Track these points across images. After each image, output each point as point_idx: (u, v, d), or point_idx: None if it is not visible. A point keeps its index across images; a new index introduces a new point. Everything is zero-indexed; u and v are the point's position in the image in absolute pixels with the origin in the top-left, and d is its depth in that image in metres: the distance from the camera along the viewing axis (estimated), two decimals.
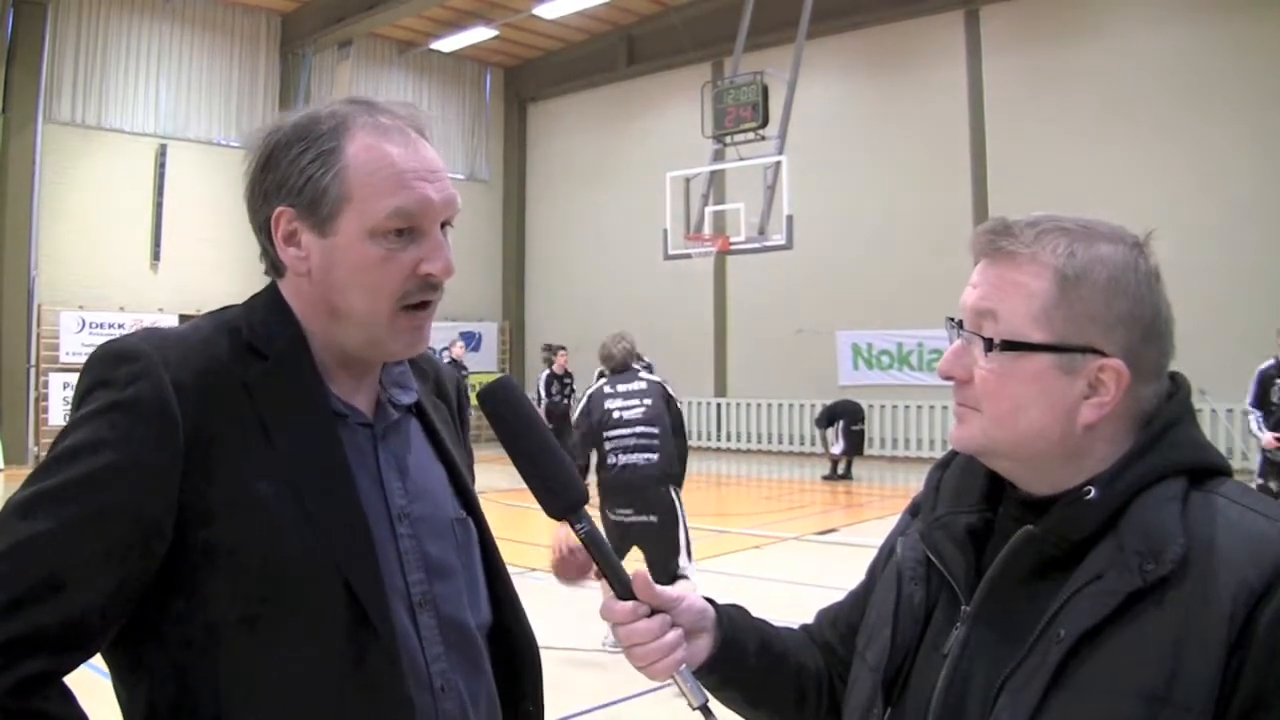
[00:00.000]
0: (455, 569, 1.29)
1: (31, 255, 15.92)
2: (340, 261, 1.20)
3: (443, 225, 1.25)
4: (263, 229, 1.24)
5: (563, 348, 14.95)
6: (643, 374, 6.50)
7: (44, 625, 1.02)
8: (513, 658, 1.37)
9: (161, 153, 17.36)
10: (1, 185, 15.70)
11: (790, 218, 13.35)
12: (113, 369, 1.12)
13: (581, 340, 14.98)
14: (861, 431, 15.38)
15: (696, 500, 12.49)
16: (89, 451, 1.08)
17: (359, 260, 1.19)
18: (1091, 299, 1.05)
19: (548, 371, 14.68)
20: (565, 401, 14.60)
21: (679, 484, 6.17)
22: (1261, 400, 8.13)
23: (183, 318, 15.06)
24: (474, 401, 1.31)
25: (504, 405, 1.24)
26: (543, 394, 14.40)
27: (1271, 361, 8.23)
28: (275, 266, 1.27)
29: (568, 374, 14.76)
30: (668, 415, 6.21)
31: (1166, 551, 0.97)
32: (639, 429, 6.10)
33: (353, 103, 1.25)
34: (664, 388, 6.37)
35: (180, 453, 1.10)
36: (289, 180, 1.20)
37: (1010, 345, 1.07)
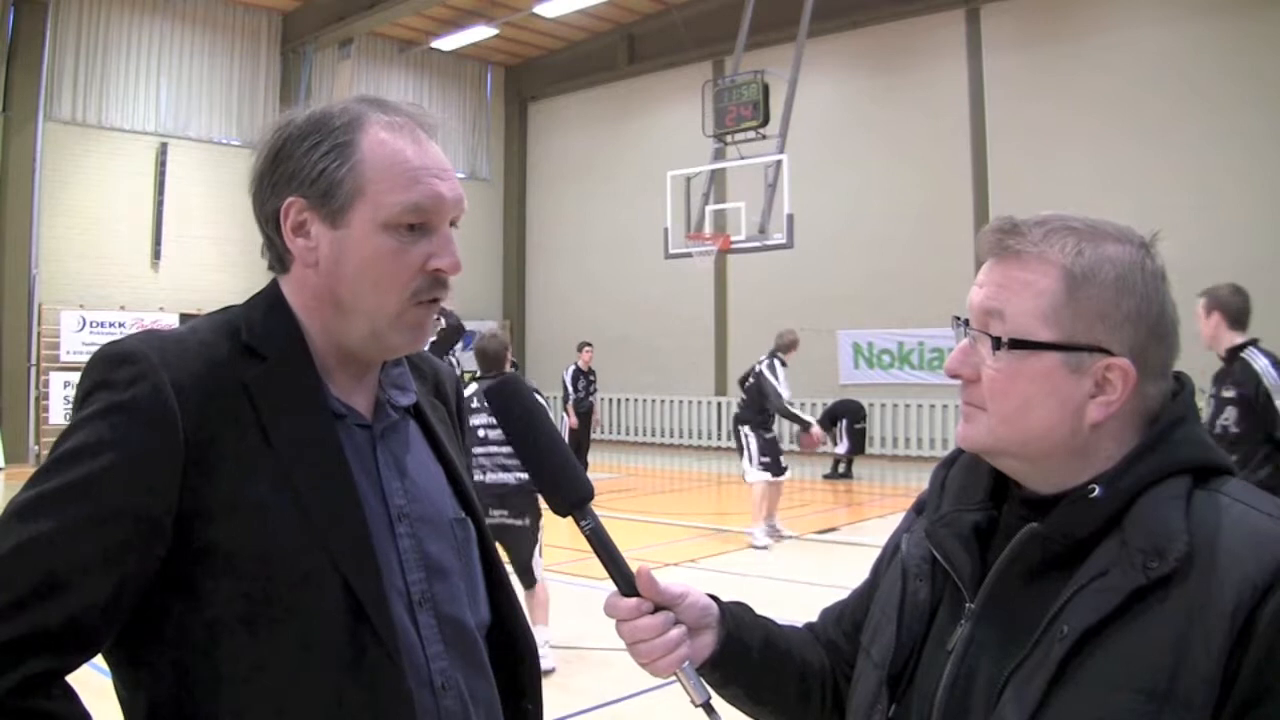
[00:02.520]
0: (454, 569, 1.29)
1: (32, 254, 15.92)
2: (350, 253, 1.21)
3: (452, 225, 1.26)
4: (270, 220, 1.25)
5: (588, 344, 14.74)
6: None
7: (46, 626, 1.02)
8: (511, 657, 1.37)
9: (162, 151, 17.36)
10: (2, 184, 15.71)
11: (791, 217, 13.35)
12: (113, 371, 1.12)
13: (582, 339, 14.97)
14: (863, 430, 15.39)
15: (698, 499, 12.52)
16: (90, 453, 1.08)
17: (370, 252, 1.21)
18: (1099, 298, 1.06)
19: (574, 367, 14.49)
20: (590, 398, 14.38)
21: (746, 422, 10.43)
22: None
23: (183, 317, 15.07)
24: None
25: (511, 403, 1.25)
26: (570, 389, 14.22)
27: None
28: (280, 259, 1.27)
29: (591, 370, 14.62)
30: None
31: (1170, 549, 0.98)
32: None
33: (364, 101, 1.26)
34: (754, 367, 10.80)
35: (180, 454, 1.10)
36: (302, 171, 1.21)
37: (1018, 344, 1.07)
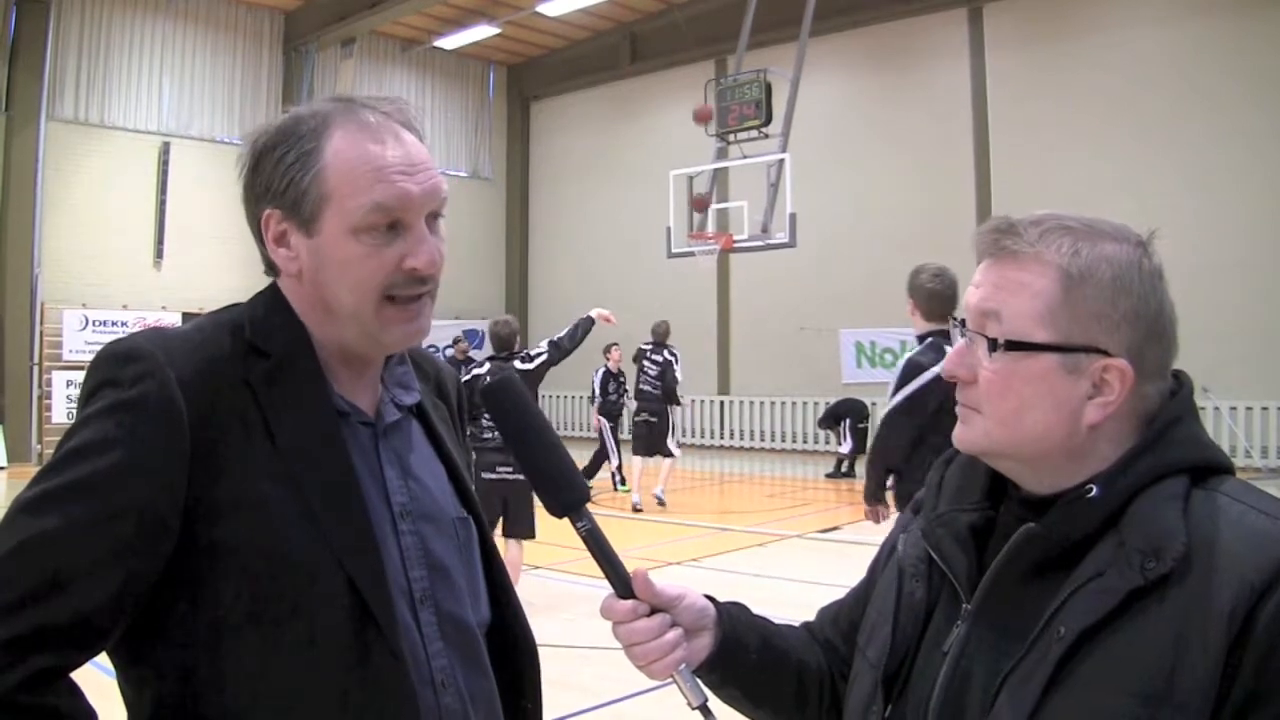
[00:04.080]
0: (456, 567, 1.29)
1: (34, 253, 15.93)
2: (327, 260, 1.21)
3: (435, 218, 1.25)
4: (256, 231, 1.26)
5: (615, 344, 13.73)
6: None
7: (52, 623, 1.03)
8: (512, 656, 1.38)
9: (164, 150, 17.37)
10: (4, 183, 15.72)
11: (793, 216, 13.34)
12: (118, 368, 1.12)
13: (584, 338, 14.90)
14: (865, 430, 15.38)
15: (699, 498, 12.52)
16: (96, 450, 1.08)
17: (343, 258, 1.20)
18: (1096, 298, 1.05)
19: (603, 369, 13.60)
20: (621, 400, 13.74)
21: (670, 403, 12.39)
22: None
23: (186, 316, 15.08)
24: None
25: (508, 404, 1.25)
26: (598, 393, 13.55)
27: None
28: (271, 266, 1.28)
29: (621, 372, 13.76)
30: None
31: (1167, 550, 0.97)
32: None
33: (335, 101, 1.25)
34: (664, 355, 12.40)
35: (186, 451, 1.11)
36: (273, 183, 1.21)
37: (1014, 345, 1.07)
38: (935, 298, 4.56)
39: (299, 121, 1.22)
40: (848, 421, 14.97)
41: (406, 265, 1.21)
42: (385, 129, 1.23)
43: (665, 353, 12.43)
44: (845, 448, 15.03)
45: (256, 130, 1.25)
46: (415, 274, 1.22)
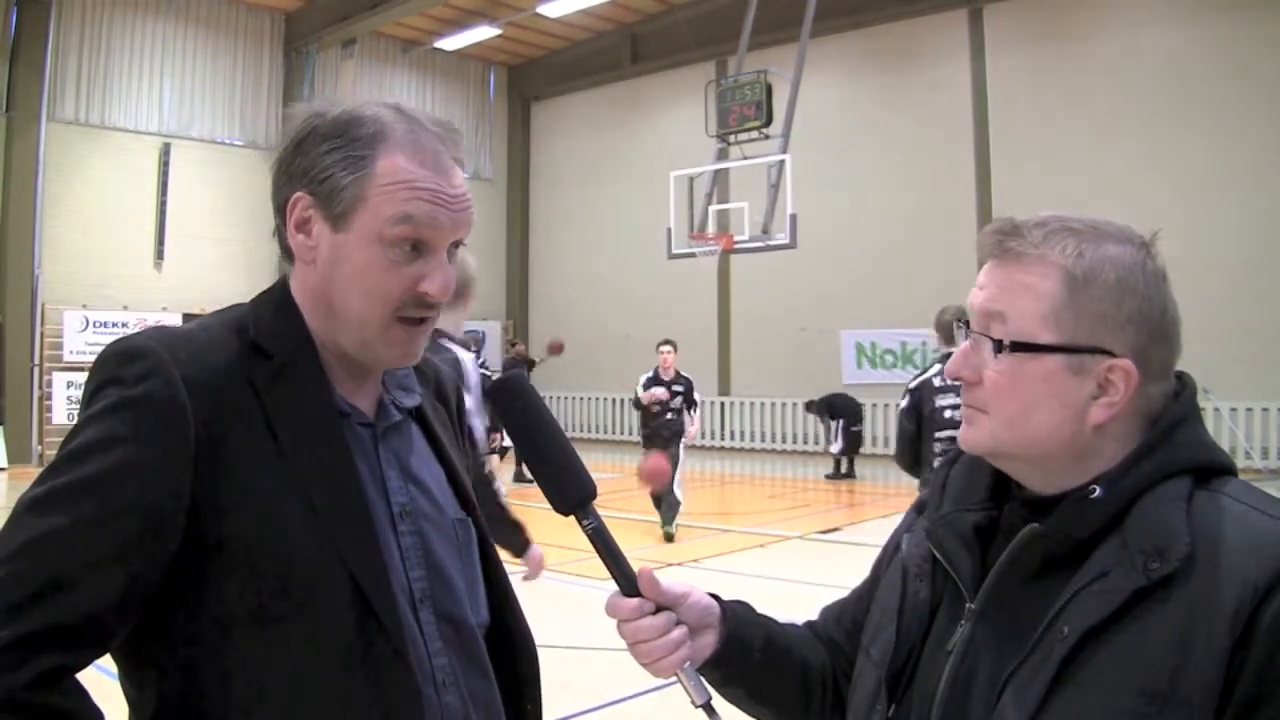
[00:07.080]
0: (455, 568, 1.30)
1: (35, 254, 15.94)
2: (346, 259, 1.21)
3: (455, 246, 1.26)
4: (280, 210, 1.26)
5: (669, 342, 11.00)
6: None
7: (59, 621, 1.02)
8: (511, 658, 1.38)
9: (165, 151, 17.38)
10: (5, 184, 15.73)
11: (794, 217, 13.35)
12: (123, 367, 1.12)
13: (585, 338, 14.93)
14: (859, 432, 15.39)
15: (700, 499, 12.52)
16: (101, 448, 1.08)
17: (364, 261, 1.20)
18: (1100, 299, 1.05)
19: (647, 376, 11.11)
20: (670, 414, 10.68)
21: None
22: None
23: (186, 316, 15.07)
24: None
25: (514, 402, 1.25)
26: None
27: None
28: (287, 251, 1.28)
29: (680, 377, 10.83)
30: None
31: (1171, 550, 0.97)
32: None
33: (397, 115, 1.24)
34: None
35: (191, 450, 1.11)
36: (314, 169, 1.22)
37: (1020, 346, 1.07)
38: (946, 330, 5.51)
39: (359, 123, 1.22)
40: (841, 422, 14.96)
41: (420, 288, 1.22)
42: (438, 158, 1.23)
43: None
44: (835, 448, 15.03)
45: (310, 110, 1.25)
46: (426, 298, 1.22)
